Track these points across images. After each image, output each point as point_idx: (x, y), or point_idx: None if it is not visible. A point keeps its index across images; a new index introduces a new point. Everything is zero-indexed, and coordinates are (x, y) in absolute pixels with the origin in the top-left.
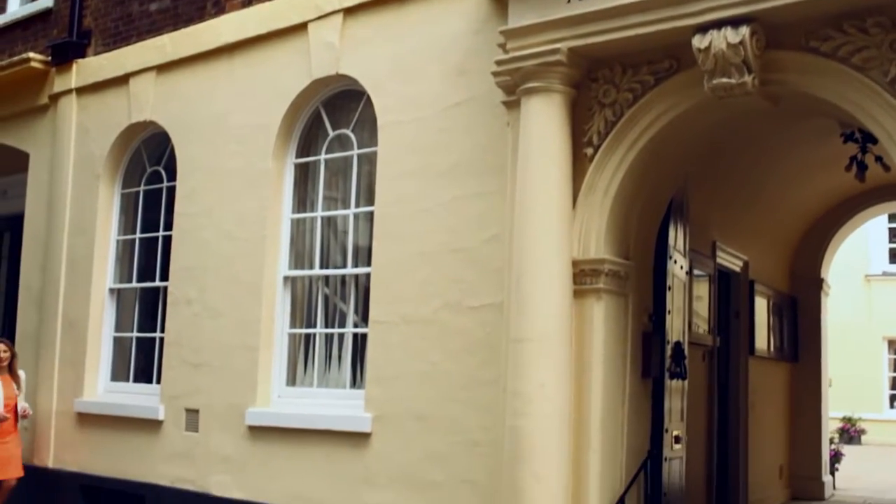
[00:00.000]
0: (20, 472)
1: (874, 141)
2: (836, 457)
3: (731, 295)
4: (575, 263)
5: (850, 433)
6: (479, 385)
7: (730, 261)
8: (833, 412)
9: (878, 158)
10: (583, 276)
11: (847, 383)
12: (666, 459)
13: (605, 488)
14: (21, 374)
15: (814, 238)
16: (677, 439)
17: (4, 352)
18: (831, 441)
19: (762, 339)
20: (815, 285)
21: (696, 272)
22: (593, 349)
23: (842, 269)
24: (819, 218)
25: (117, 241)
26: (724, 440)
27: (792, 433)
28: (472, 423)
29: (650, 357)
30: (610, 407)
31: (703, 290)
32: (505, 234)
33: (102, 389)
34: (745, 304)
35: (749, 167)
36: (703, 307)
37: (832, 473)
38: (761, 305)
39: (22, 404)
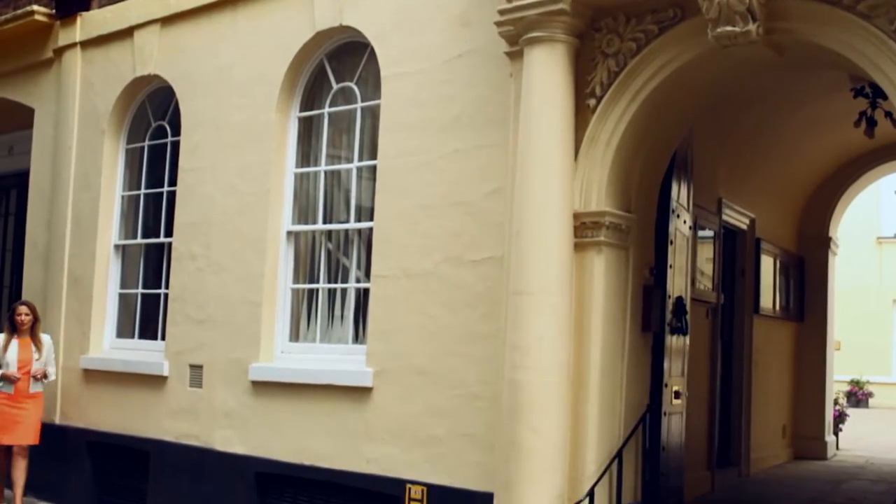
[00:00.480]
0: (31, 440)
1: (885, 96)
2: (839, 417)
3: (736, 252)
4: (576, 216)
5: (858, 396)
6: (479, 339)
7: (736, 218)
8: (841, 375)
9: (888, 114)
10: (583, 228)
11: (855, 346)
12: (665, 414)
13: (603, 441)
14: (44, 338)
15: (822, 196)
16: (677, 394)
17: (27, 314)
18: (835, 402)
19: (768, 298)
20: (823, 245)
21: (700, 228)
22: (593, 302)
23: (853, 231)
24: (828, 176)
25: (122, 197)
26: (726, 398)
27: (796, 393)
28: (471, 377)
29: (651, 311)
30: (609, 360)
31: (707, 246)
32: (506, 188)
33: (108, 346)
34: (751, 262)
35: (757, 123)
36: (707, 264)
37: (836, 434)
38: (767, 264)
39: (38, 366)
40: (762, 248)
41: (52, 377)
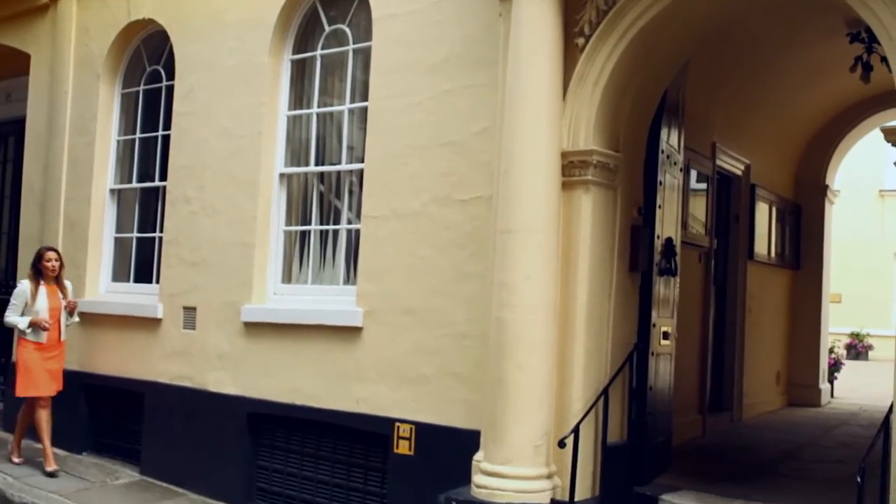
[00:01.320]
0: (59, 388)
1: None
2: (835, 366)
3: (731, 198)
4: (564, 155)
5: (858, 349)
6: (467, 278)
7: (731, 164)
8: (841, 328)
9: (884, 59)
10: (571, 167)
11: (856, 299)
12: (653, 354)
13: (589, 379)
14: (68, 284)
15: (820, 144)
16: (665, 335)
17: (56, 260)
18: (831, 350)
19: (762, 245)
20: (820, 192)
21: (694, 173)
22: (580, 241)
23: (855, 184)
24: (826, 123)
25: (118, 142)
26: (719, 343)
27: (790, 340)
28: (459, 317)
29: (638, 251)
30: (596, 299)
31: (700, 190)
32: (495, 127)
33: (104, 290)
34: (746, 208)
35: (753, 70)
36: (700, 208)
37: (830, 382)
38: (763, 210)
39: (69, 299)
40: (757, 194)
41: (76, 319)
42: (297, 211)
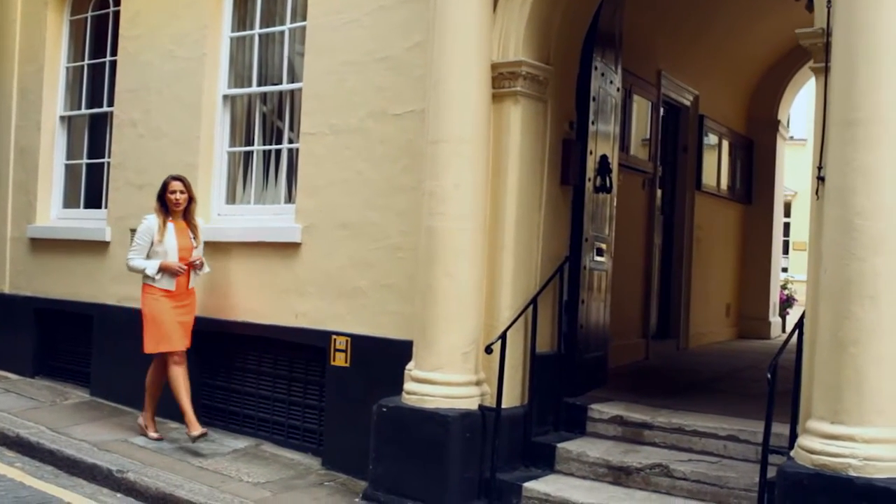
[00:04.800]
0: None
1: None
2: (787, 301)
3: (679, 127)
4: (494, 67)
5: None
6: (400, 191)
7: (678, 93)
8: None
9: None
10: (501, 79)
11: None
12: (585, 268)
13: (518, 289)
14: (199, 222)
15: (772, 79)
16: (600, 251)
17: (181, 192)
18: (783, 286)
19: (711, 176)
20: (772, 127)
21: (636, 97)
22: (509, 152)
23: None
24: (778, 58)
25: (67, 69)
26: (666, 270)
27: (742, 273)
28: (393, 230)
29: (570, 165)
30: (525, 210)
31: (643, 115)
32: (428, 42)
33: (55, 216)
34: (694, 139)
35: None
36: (644, 133)
37: (782, 316)
38: (712, 142)
39: (196, 254)
40: (707, 125)
41: (208, 268)
42: (241, 132)
